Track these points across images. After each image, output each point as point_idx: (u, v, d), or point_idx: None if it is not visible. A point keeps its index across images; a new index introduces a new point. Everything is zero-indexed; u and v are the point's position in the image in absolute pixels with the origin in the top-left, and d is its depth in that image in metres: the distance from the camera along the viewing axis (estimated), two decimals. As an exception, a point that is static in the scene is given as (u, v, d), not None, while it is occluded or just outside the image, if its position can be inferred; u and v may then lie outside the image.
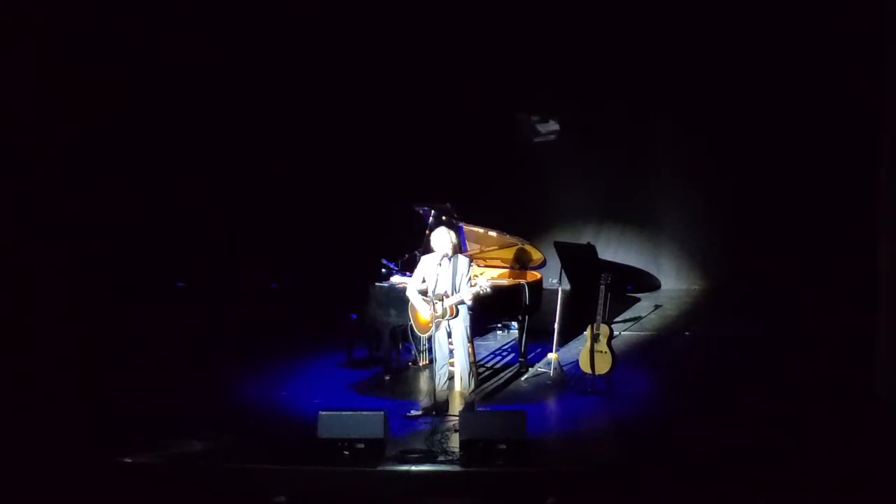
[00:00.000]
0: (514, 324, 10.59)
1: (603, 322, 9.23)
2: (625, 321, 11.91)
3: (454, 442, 7.93)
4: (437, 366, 9.03)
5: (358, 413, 7.91)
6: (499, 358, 10.55)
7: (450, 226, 9.47)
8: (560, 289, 10.01)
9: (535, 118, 14.05)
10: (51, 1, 11.69)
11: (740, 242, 13.43)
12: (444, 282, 8.86)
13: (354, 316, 10.16)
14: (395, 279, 9.96)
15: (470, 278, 8.94)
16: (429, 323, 8.89)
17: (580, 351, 9.41)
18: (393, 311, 9.72)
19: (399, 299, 9.60)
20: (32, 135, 11.60)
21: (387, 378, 9.81)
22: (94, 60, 12.47)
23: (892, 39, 8.74)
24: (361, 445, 7.73)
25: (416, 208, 10.18)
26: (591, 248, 13.42)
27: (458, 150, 13.41)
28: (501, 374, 9.94)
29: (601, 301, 9.26)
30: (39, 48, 11.52)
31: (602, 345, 9.19)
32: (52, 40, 11.71)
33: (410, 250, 10.02)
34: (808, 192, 12.64)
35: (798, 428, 8.20)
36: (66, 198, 12.13)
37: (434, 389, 8.83)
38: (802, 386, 9.29)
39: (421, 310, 9.00)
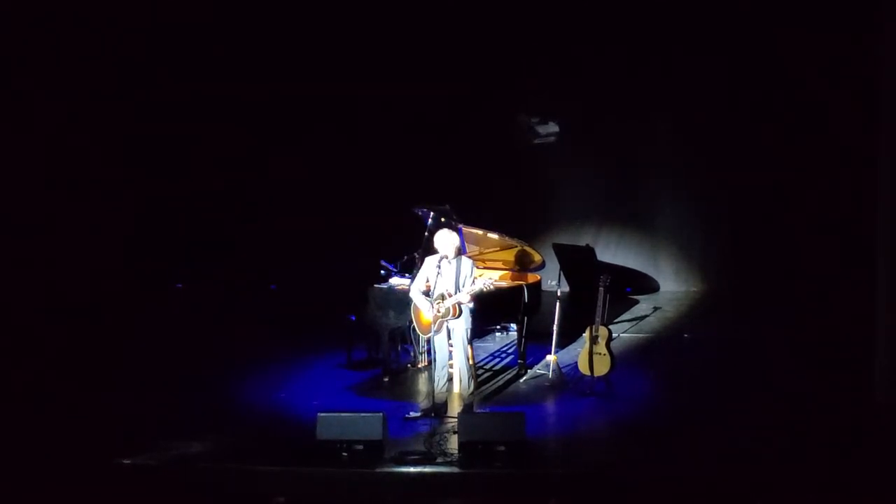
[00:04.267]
0: (514, 325, 10.59)
1: (602, 324, 9.24)
2: (624, 323, 11.92)
3: (453, 443, 7.93)
4: (437, 367, 9.03)
5: (357, 414, 7.91)
6: (498, 360, 10.55)
7: (449, 227, 9.48)
8: (559, 291, 10.02)
9: (535, 119, 14.06)
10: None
11: (739, 244, 13.45)
12: (446, 283, 8.86)
13: (353, 317, 10.16)
14: (394, 281, 9.96)
15: (473, 280, 8.95)
16: (431, 323, 8.89)
17: (579, 353, 9.42)
18: (392, 313, 9.73)
19: (398, 301, 9.61)
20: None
21: (386, 379, 9.80)
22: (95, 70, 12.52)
23: (891, 41, 8.74)
24: (360, 447, 7.73)
25: (416, 210, 10.18)
26: (590, 250, 13.46)
27: (458, 152, 13.43)
28: (500, 376, 9.94)
29: (600, 303, 9.27)
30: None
31: (601, 347, 9.19)
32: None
33: (409, 252, 10.02)
34: (806, 195, 12.65)
35: (797, 429, 8.20)
36: (65, 197, 12.15)
37: (433, 391, 8.83)
38: (801, 388, 9.29)
39: (424, 310, 9.01)
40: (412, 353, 10.18)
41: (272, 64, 13.66)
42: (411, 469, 7.59)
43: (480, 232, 10.09)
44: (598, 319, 9.23)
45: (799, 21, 12.36)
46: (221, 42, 13.50)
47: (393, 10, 13.38)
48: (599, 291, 9.29)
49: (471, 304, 8.91)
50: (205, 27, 13.31)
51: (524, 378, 9.76)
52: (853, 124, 11.43)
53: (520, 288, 9.84)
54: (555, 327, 9.80)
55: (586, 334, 9.27)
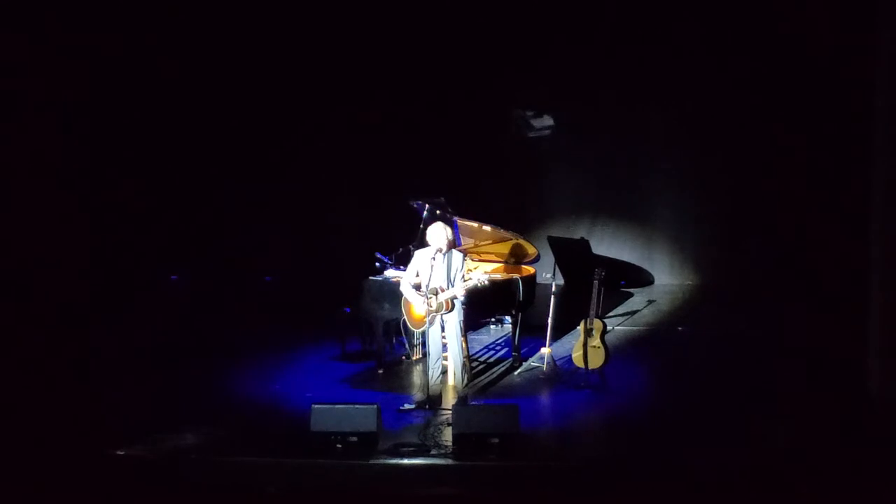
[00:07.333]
0: (508, 318, 10.59)
1: (596, 317, 9.25)
2: (618, 316, 11.93)
3: (447, 436, 7.94)
4: (431, 360, 9.02)
5: (351, 406, 7.91)
6: (492, 352, 10.55)
7: (444, 220, 9.47)
8: (554, 283, 10.02)
9: (529, 113, 14.04)
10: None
11: (733, 238, 13.46)
12: (439, 276, 8.86)
13: (348, 310, 10.17)
14: (389, 273, 9.96)
15: (464, 273, 8.95)
16: (423, 318, 8.89)
17: (573, 346, 9.43)
18: (386, 305, 9.73)
19: (393, 293, 9.60)
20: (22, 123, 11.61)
21: (380, 372, 9.81)
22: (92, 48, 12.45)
23: (890, 42, 8.73)
24: (354, 439, 7.74)
25: (411, 202, 10.18)
26: (584, 243, 13.46)
27: (453, 145, 13.41)
28: (495, 369, 9.94)
29: (594, 296, 9.27)
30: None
31: (595, 339, 9.20)
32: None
33: (404, 244, 10.02)
34: (802, 189, 12.65)
35: (792, 425, 8.21)
36: (60, 190, 12.12)
37: (427, 383, 8.84)
38: (796, 382, 9.30)
39: (415, 304, 9.00)
40: (406, 346, 10.18)
41: (268, 60, 13.63)
42: (405, 461, 7.61)
43: (475, 224, 10.09)
44: (592, 312, 9.24)
45: (799, 18, 12.33)
46: (219, 40, 13.48)
47: (390, 5, 13.35)
48: (594, 284, 9.29)
49: (462, 297, 8.90)
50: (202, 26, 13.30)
51: (518, 371, 9.77)
52: (850, 121, 11.39)
53: (514, 281, 9.84)
54: (549, 320, 9.81)
55: (581, 327, 9.28)
